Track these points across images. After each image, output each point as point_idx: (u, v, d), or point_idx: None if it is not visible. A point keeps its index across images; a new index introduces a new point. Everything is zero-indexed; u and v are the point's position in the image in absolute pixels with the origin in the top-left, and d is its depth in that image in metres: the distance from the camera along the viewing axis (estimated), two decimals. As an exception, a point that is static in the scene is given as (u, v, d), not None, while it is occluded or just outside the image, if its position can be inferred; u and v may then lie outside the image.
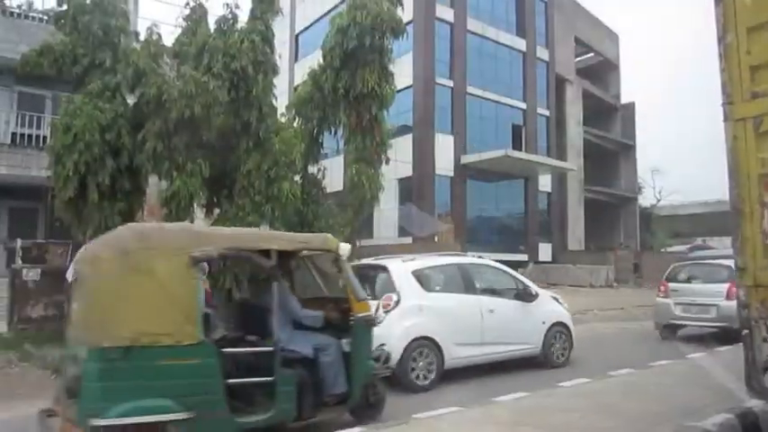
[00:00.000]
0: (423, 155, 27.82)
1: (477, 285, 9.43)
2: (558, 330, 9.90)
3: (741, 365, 5.64)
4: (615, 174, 45.64)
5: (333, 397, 5.93)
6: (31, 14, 17.65)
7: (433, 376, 8.20)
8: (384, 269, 8.43)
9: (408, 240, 26.12)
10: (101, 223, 12.19)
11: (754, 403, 5.61)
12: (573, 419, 5.61)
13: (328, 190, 18.43)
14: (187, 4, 14.95)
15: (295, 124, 16.83)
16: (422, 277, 8.72)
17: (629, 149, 45.60)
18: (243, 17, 14.40)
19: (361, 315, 6.16)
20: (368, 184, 16.22)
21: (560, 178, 36.16)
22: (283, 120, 16.48)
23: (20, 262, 13.52)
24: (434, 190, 28.03)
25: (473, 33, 30.75)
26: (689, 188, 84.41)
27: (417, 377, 8.04)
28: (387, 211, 26.33)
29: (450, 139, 29.14)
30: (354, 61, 16.25)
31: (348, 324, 6.17)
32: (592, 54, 44.70)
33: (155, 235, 5.44)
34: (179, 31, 14.89)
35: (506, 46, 32.59)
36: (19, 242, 14.76)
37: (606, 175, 44.72)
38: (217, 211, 14.65)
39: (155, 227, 6.06)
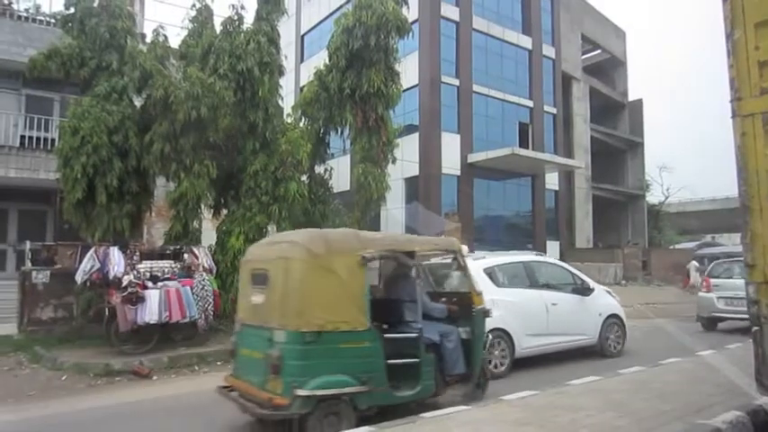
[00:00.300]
0: (429, 154, 27.79)
1: (541, 281, 10.28)
2: (613, 322, 10.67)
3: (751, 362, 5.61)
4: (623, 171, 45.46)
5: (453, 377, 6.85)
6: (38, 18, 17.74)
7: (506, 364, 9.01)
8: (461, 263, 8.70)
9: (415, 239, 26.07)
10: (109, 225, 12.28)
11: (765, 400, 5.58)
12: (580, 418, 5.58)
13: (335, 190, 18.44)
14: (193, 5, 15.03)
15: (301, 125, 16.87)
16: (492, 274, 9.45)
17: (636, 146, 45.41)
18: (248, 18, 14.44)
19: (479, 307, 7.12)
20: (374, 184, 16.22)
21: (568, 176, 36.07)
22: (289, 120, 16.53)
23: (29, 264, 13.60)
24: (441, 189, 28.00)
25: (479, 32, 30.70)
26: (698, 185, 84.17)
27: (495, 366, 8.77)
28: (393, 210, 26.35)
29: (457, 137, 29.10)
30: (360, 61, 16.26)
31: (460, 314, 7.11)
32: (598, 51, 44.54)
33: (335, 240, 6.37)
34: (185, 32, 14.98)
35: (512, 44, 32.52)
36: (28, 244, 14.85)
37: (614, 172, 44.56)
38: (224, 211, 14.70)
39: (334, 233, 7.00)
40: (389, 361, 6.08)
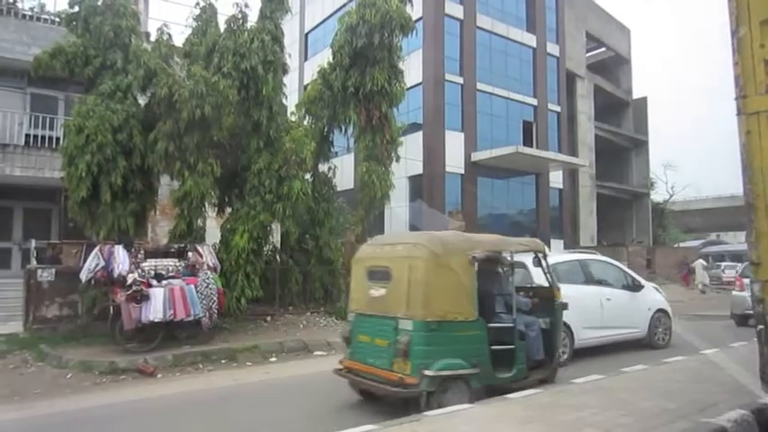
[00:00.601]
0: (433, 152, 27.75)
1: (595, 278, 11.00)
2: (660, 316, 11.40)
3: (756, 361, 5.59)
4: (627, 169, 45.31)
5: (534, 362, 7.56)
6: (43, 16, 17.78)
7: (567, 353, 9.59)
8: (522, 265, 9.15)
9: (419, 238, 26.06)
10: (114, 223, 12.32)
11: (770, 399, 5.57)
12: (585, 416, 5.58)
13: (339, 188, 18.47)
14: (197, 4, 15.05)
15: (305, 123, 16.90)
16: (555, 272, 9.48)
17: (641, 145, 45.26)
18: (252, 17, 14.46)
19: (559, 301, 8.04)
20: (378, 182, 16.24)
21: (572, 174, 35.96)
22: (293, 118, 16.56)
23: (34, 262, 13.67)
24: (445, 187, 27.95)
25: (483, 30, 30.62)
26: (703, 183, 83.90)
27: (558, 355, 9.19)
28: (397, 208, 26.33)
29: (461, 136, 29.05)
30: (364, 59, 16.27)
31: (540, 307, 7.90)
32: (603, 49, 44.37)
33: (450, 241, 7.24)
34: (189, 31, 15.01)
35: (516, 42, 32.42)
36: (33, 243, 14.91)
37: (618, 170, 44.42)
38: (228, 210, 14.73)
39: (448, 235, 7.74)
40: (492, 347, 6.93)
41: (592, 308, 10.23)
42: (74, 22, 13.40)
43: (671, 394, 6.40)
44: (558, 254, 10.76)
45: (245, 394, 8.59)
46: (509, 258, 7.87)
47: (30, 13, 17.58)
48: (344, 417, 6.64)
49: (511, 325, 7.27)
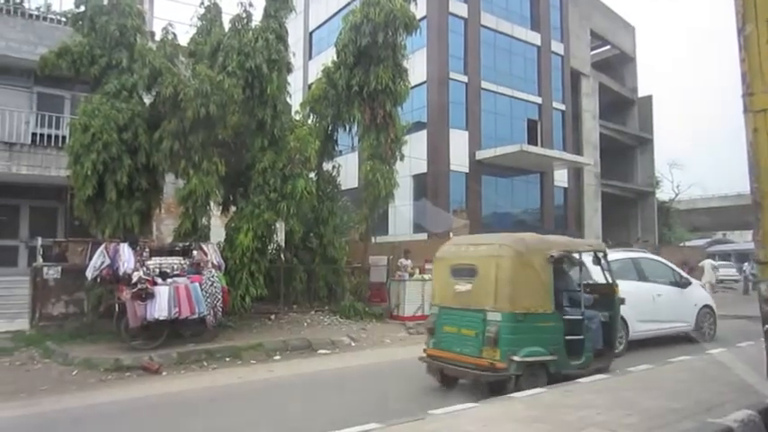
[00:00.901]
0: (437, 151, 27.73)
1: (647, 275, 11.69)
2: (706, 311, 12.13)
3: (762, 361, 5.57)
4: (632, 168, 45.16)
5: (595, 352, 8.17)
6: (49, 16, 17.81)
7: (623, 344, 10.34)
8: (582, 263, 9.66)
9: (423, 236, 26.08)
10: (119, 222, 12.36)
11: (776, 399, 5.55)
12: (590, 415, 5.56)
13: (343, 187, 18.49)
14: (202, 3, 15.07)
15: (309, 122, 16.92)
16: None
17: (646, 143, 45.10)
18: (257, 16, 14.46)
19: (617, 296, 8.74)
20: (382, 181, 16.25)
21: (576, 173, 35.87)
22: (298, 117, 16.58)
23: (41, 260, 13.70)
24: (449, 186, 27.93)
25: (487, 28, 30.56)
26: (709, 181, 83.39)
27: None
28: (401, 207, 26.31)
29: (465, 134, 29.02)
30: (368, 58, 16.27)
31: (600, 301, 8.51)
32: (608, 47, 44.22)
33: (531, 242, 7.97)
34: (194, 30, 15.03)
35: (521, 40, 32.36)
36: (39, 241, 14.95)
37: (623, 169, 44.28)
38: (233, 208, 14.75)
39: (529, 237, 8.35)
40: (566, 337, 7.65)
41: (645, 303, 10.95)
42: (80, 22, 13.43)
43: (677, 394, 6.38)
44: (612, 252, 10.98)
45: (250, 392, 8.62)
46: (577, 258, 8.58)
47: (36, 12, 17.61)
48: (342, 416, 6.64)
49: (580, 317, 8.02)
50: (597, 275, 9.26)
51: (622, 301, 8.82)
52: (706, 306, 12.15)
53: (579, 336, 7.89)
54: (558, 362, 7.49)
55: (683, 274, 12.50)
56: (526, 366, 7.14)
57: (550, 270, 7.64)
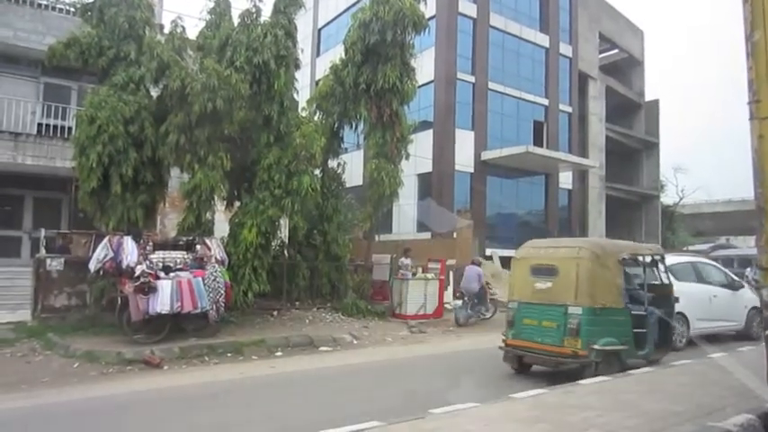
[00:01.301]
0: (443, 150, 27.71)
1: (705, 277, 12.74)
2: (755, 313, 12.61)
3: (763, 365, 5.56)
4: (637, 171, 45.07)
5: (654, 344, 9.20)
6: (58, 6, 17.84)
7: (684, 340, 11.38)
8: (664, 264, 10.43)
9: (427, 236, 26.09)
10: (123, 214, 12.37)
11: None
12: (591, 417, 5.57)
13: (348, 184, 18.49)
14: (211, -3, 15.05)
15: (316, 118, 16.91)
16: (673, 271, 10.91)
17: (652, 147, 44.99)
18: (266, 11, 14.47)
19: (673, 295, 9.89)
20: (387, 180, 16.24)
21: (581, 175, 35.81)
22: (304, 114, 16.58)
23: (44, 252, 13.73)
24: (454, 186, 27.91)
25: (496, 29, 30.53)
26: (714, 186, 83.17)
27: (678, 341, 11.06)
28: (406, 206, 26.31)
29: (471, 134, 28.99)
30: (376, 56, 16.26)
31: (657, 299, 9.47)
32: (616, 50, 44.11)
33: (605, 246, 9.32)
34: (203, 24, 15.04)
35: (529, 42, 32.31)
36: (43, 232, 14.99)
37: (628, 172, 44.19)
38: (237, 203, 14.77)
39: (604, 241, 10.55)
40: (633, 330, 8.64)
41: (703, 303, 11.98)
42: (89, 13, 13.45)
43: (677, 397, 6.37)
44: (671, 256, 12.37)
45: (251, 388, 8.64)
46: (641, 260, 9.45)
47: (45, 2, 17.65)
48: (342, 413, 6.65)
49: (644, 313, 8.99)
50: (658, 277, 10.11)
51: (677, 299, 10.04)
52: (755, 308, 12.69)
53: (643, 329, 8.90)
54: (627, 351, 8.52)
55: (735, 278, 13.43)
56: (604, 354, 8.15)
57: (621, 271, 8.73)
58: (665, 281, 9.86)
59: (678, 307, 10.54)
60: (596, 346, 8.04)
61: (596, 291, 8.28)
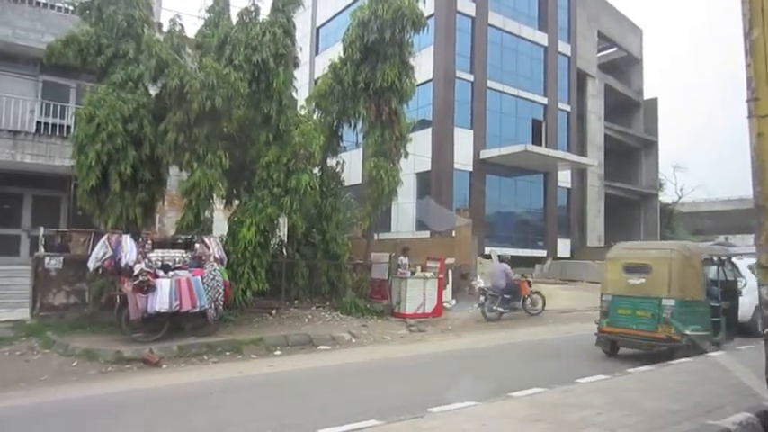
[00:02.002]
0: (442, 149, 27.73)
1: None
2: None
3: (762, 364, 5.56)
4: (636, 170, 45.14)
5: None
6: (56, 4, 17.81)
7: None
8: (732, 263, 11.44)
9: (426, 234, 26.10)
10: (122, 213, 12.36)
11: (776, 403, 5.54)
12: (590, 416, 5.57)
13: (347, 183, 18.47)
14: (210, -5, 15.04)
15: (315, 117, 16.88)
16: (752, 268, 11.43)
17: (650, 145, 45.05)
18: (265, 9, 14.45)
19: (738, 290, 10.94)
20: (386, 178, 16.23)
21: (580, 174, 35.86)
22: (303, 112, 16.55)
23: (42, 250, 13.71)
24: (453, 184, 27.94)
25: (494, 27, 30.55)
26: (713, 184, 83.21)
27: (760, 330, 11.77)
28: (405, 204, 26.32)
29: (470, 133, 29.02)
30: (375, 54, 16.26)
31: (724, 293, 10.45)
32: (615, 49, 44.15)
33: (691, 247, 10.89)
34: (201, 22, 15.02)
35: (528, 40, 32.33)
36: (42, 230, 14.97)
37: (627, 171, 44.25)
38: (236, 202, 14.76)
39: (690, 244, 11.80)
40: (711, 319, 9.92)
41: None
42: (87, 11, 13.42)
43: (676, 395, 6.38)
44: (747, 258, 13.16)
45: (250, 386, 8.64)
46: (716, 260, 10.58)
47: (44, 0, 17.62)
48: (341, 411, 6.64)
49: (717, 305, 10.12)
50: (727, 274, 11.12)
51: (740, 292, 10.98)
52: None
53: (717, 318, 10.08)
54: (707, 337, 9.71)
55: None
56: (692, 339, 9.40)
57: (703, 269, 10.04)
58: (731, 277, 10.94)
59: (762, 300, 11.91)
60: (687, 332, 9.42)
61: (685, 285, 9.69)
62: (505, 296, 16.50)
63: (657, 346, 9.76)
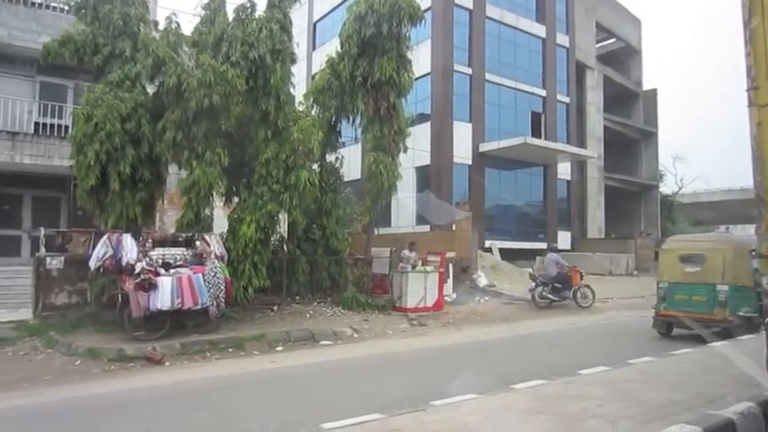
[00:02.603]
0: (441, 143, 27.71)
1: None
2: None
3: (763, 354, 5.57)
4: (636, 161, 45.11)
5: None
6: (52, 4, 17.78)
7: None
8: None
9: (426, 228, 26.11)
10: (122, 212, 12.36)
11: (777, 392, 5.56)
12: (591, 407, 5.58)
13: (346, 178, 18.46)
14: (205, -8, 14.98)
15: (313, 113, 16.85)
16: None
17: (650, 136, 45.00)
18: (261, 6, 14.40)
19: None
20: (386, 173, 16.22)
21: (580, 166, 35.83)
22: (301, 108, 16.52)
23: (43, 250, 13.72)
24: (452, 178, 27.94)
25: (492, 20, 30.49)
26: (714, 175, 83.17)
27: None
28: (404, 199, 26.34)
29: (469, 126, 28.99)
30: (372, 49, 16.22)
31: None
32: (613, 40, 44.04)
33: (739, 240, 12.18)
34: (197, 20, 14.96)
35: (526, 32, 32.27)
36: (42, 231, 14.98)
37: (627, 162, 44.22)
38: (236, 199, 14.75)
39: (738, 237, 13.54)
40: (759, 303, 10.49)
41: None
42: (83, 11, 13.38)
43: (678, 386, 6.39)
44: None
45: (253, 382, 8.66)
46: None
47: (39, 0, 17.58)
48: (344, 406, 6.66)
49: (760, 290, 10.60)
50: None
51: None
52: None
53: (760, 302, 10.40)
54: (757, 318, 10.10)
55: None
56: (745, 319, 10.54)
57: (750, 259, 10.77)
58: None
59: None
60: (740, 313, 10.66)
61: (737, 273, 10.88)
62: (556, 285, 17.29)
63: (713, 326, 10.95)
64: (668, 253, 12.28)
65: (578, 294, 17.56)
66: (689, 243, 12.72)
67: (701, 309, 11.19)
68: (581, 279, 18.06)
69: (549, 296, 17.20)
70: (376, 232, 20.35)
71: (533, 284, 17.46)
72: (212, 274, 11.61)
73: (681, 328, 11.74)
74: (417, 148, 24.37)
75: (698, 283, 11.33)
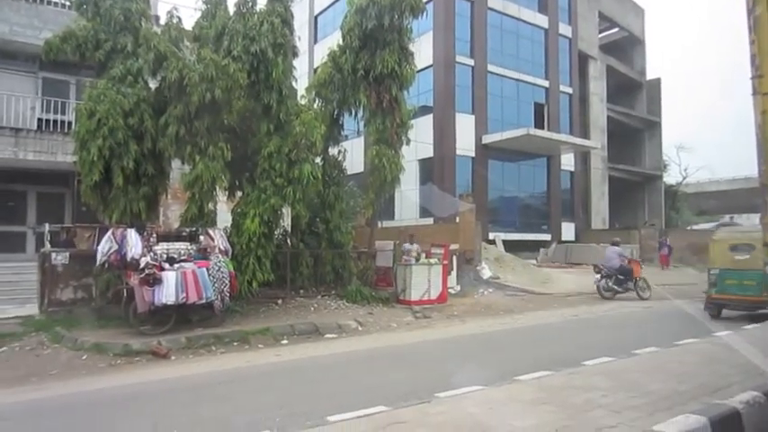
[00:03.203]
0: (443, 135, 27.67)
1: None
2: None
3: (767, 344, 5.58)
4: (640, 151, 44.94)
5: None
6: (53, 0, 17.77)
7: None
8: None
9: (430, 221, 26.11)
10: (126, 207, 12.38)
11: (782, 381, 5.56)
12: (596, 398, 5.60)
13: (349, 171, 18.44)
14: (206, -14, 14.95)
15: (315, 106, 16.82)
16: None
17: (654, 126, 44.81)
18: (262, -1, 14.37)
19: None
20: (388, 166, 16.19)
21: (583, 157, 35.74)
22: (303, 102, 16.49)
23: (48, 246, 13.76)
24: (455, 170, 27.90)
25: (494, 10, 30.36)
26: (718, 164, 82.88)
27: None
28: (408, 191, 26.32)
29: (471, 118, 28.92)
30: (374, 41, 16.17)
31: None
32: (616, 29, 43.81)
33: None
34: (198, 14, 14.93)
35: (528, 23, 32.13)
36: (47, 226, 15.02)
37: (631, 152, 44.06)
38: (239, 193, 14.76)
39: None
40: None
41: None
42: (84, 6, 13.38)
43: (683, 376, 6.40)
44: None
45: (258, 376, 8.69)
46: None
47: (40, -4, 17.56)
48: (349, 399, 6.67)
49: None
50: None
51: None
52: None
53: None
54: None
55: None
56: None
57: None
58: None
59: None
60: None
61: None
62: (619, 276, 17.91)
63: (763, 307, 11.94)
64: (719, 243, 13.43)
65: (639, 285, 17.99)
66: (738, 234, 13.98)
67: (751, 292, 12.14)
68: (641, 269, 18.67)
69: (615, 287, 17.83)
70: (379, 225, 20.36)
71: (598, 276, 18.08)
72: (216, 268, 11.64)
73: (733, 310, 12.89)
74: (420, 140, 24.35)
75: (747, 269, 12.09)
